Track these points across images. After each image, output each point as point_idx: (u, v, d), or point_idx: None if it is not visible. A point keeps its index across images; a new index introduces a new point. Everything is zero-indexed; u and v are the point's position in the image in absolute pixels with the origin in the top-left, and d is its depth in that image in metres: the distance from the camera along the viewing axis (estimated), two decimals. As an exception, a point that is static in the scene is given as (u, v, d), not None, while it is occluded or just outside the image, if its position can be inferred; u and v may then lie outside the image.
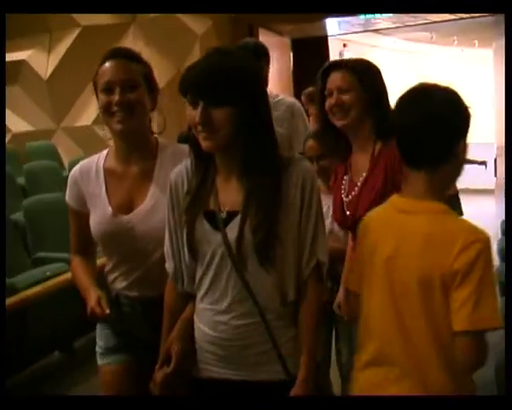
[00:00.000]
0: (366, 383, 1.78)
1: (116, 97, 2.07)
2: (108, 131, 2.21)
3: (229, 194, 1.83)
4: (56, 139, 8.50)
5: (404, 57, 14.54)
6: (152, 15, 7.87)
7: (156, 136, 2.25)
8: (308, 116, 6.83)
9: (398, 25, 11.57)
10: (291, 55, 9.14)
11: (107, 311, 2.05)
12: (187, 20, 7.71)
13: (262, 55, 3.44)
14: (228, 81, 1.72)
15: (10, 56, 8.54)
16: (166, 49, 7.38)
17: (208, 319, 1.86)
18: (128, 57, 2.15)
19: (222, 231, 1.79)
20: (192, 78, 1.74)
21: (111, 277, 2.24)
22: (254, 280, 1.79)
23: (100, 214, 2.18)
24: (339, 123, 2.52)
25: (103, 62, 2.14)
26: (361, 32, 11.70)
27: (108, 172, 2.21)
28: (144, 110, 2.13)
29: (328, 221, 2.98)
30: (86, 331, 4.49)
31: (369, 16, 9.52)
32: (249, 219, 1.76)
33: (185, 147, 1.98)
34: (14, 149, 8.06)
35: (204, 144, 1.76)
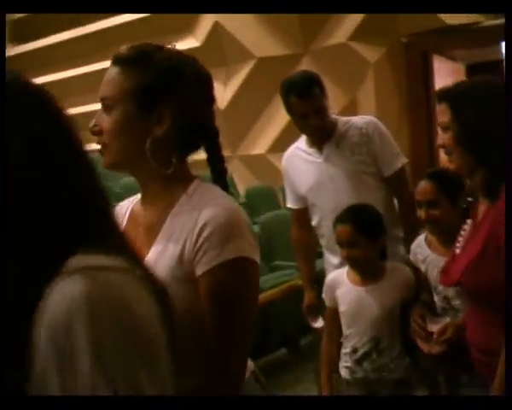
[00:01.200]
0: None
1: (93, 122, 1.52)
2: None
3: None
4: (232, 167, 8.81)
5: None
6: (324, 45, 8.00)
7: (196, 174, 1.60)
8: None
9: None
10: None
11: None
12: (360, 48, 7.76)
13: (312, 86, 3.03)
14: None
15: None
16: (339, 78, 7.46)
17: None
18: (126, 62, 1.49)
19: None
20: None
21: None
22: None
23: None
24: (449, 166, 2.07)
25: None
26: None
27: (132, 216, 1.63)
28: (129, 137, 1.48)
29: (442, 287, 2.59)
30: (259, 356, 4.80)
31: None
32: None
33: (218, 191, 1.53)
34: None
35: None
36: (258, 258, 1.43)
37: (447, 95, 2.02)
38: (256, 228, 6.16)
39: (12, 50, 12.51)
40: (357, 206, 2.80)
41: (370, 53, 7.78)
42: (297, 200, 3.32)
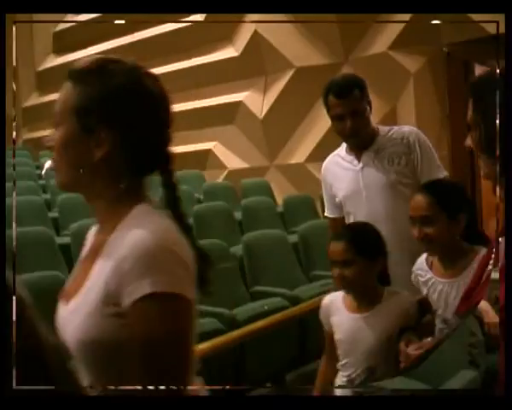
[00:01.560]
0: None
1: None
2: None
3: None
4: (269, 176, 8.79)
5: None
6: (364, 54, 7.93)
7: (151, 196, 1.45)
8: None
9: None
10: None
11: None
12: (400, 57, 7.68)
13: (352, 88, 3.01)
14: None
15: (228, 98, 9.02)
16: (379, 88, 7.36)
17: None
18: (74, 77, 1.42)
19: None
20: None
21: None
22: None
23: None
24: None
25: None
26: None
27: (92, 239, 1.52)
28: (72, 158, 1.39)
29: (441, 310, 2.43)
30: (297, 366, 4.78)
31: None
32: None
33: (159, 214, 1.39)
34: (231, 185, 8.46)
35: None
36: (186, 292, 1.28)
37: (471, 88, 1.68)
38: (295, 238, 6.13)
39: (54, 61, 12.70)
40: (355, 224, 2.64)
41: (411, 62, 7.68)
42: (334, 208, 3.27)
